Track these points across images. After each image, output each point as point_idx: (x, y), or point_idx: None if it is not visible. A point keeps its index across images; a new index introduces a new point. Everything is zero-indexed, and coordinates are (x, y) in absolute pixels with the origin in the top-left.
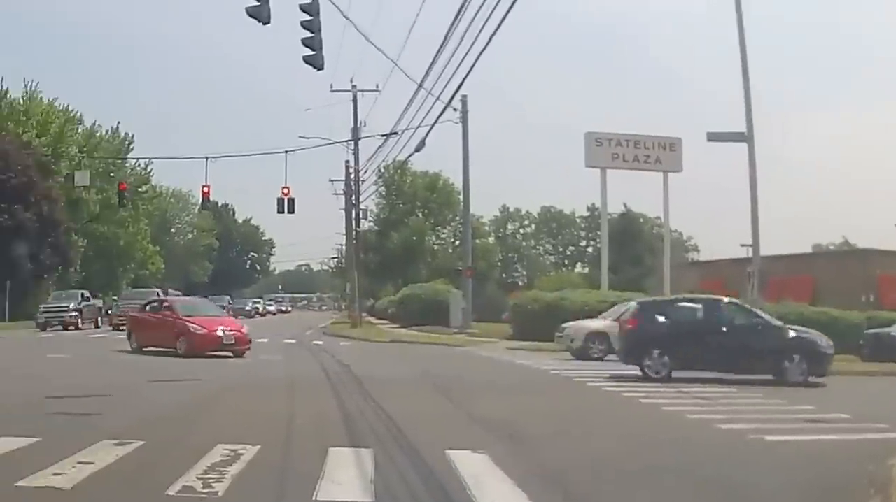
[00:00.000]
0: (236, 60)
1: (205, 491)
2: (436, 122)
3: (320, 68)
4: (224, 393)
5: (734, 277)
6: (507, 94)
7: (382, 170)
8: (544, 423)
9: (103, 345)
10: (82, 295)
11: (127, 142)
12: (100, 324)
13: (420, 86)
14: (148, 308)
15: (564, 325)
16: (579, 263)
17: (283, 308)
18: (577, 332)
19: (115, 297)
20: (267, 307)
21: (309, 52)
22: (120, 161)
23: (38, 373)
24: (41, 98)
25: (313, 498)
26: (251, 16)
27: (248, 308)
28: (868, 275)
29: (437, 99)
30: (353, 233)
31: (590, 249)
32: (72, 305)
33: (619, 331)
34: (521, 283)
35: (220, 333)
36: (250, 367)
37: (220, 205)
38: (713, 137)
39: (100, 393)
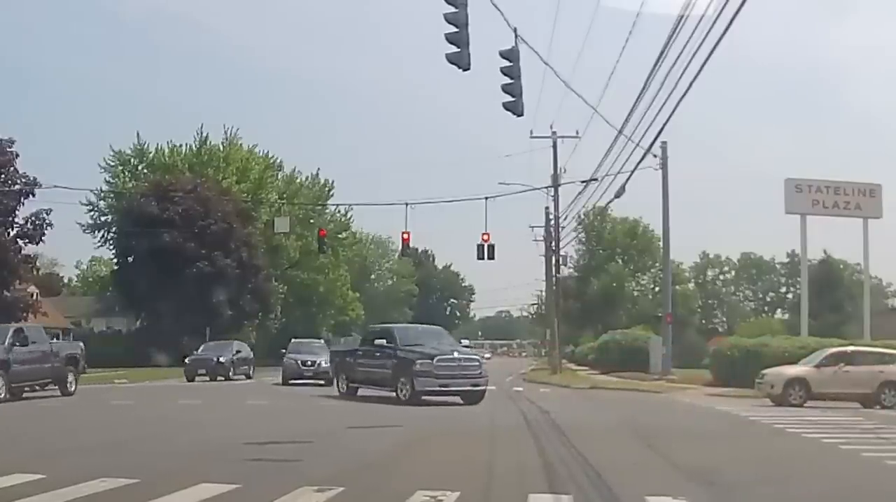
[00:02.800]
0: (436, 106)
1: None
2: (635, 169)
3: (520, 115)
4: (425, 441)
5: None
6: (707, 141)
7: (582, 217)
8: (743, 470)
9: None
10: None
11: (327, 189)
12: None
13: (620, 132)
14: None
15: (764, 372)
16: (779, 309)
17: (485, 355)
18: (776, 379)
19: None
20: None
21: (509, 98)
22: (320, 207)
23: (228, 419)
24: (241, 144)
25: None
26: (451, 62)
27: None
28: None
29: (637, 145)
30: (553, 279)
31: (790, 295)
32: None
33: None
34: (720, 330)
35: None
36: (451, 414)
37: (419, 251)
38: None
39: (300, 440)
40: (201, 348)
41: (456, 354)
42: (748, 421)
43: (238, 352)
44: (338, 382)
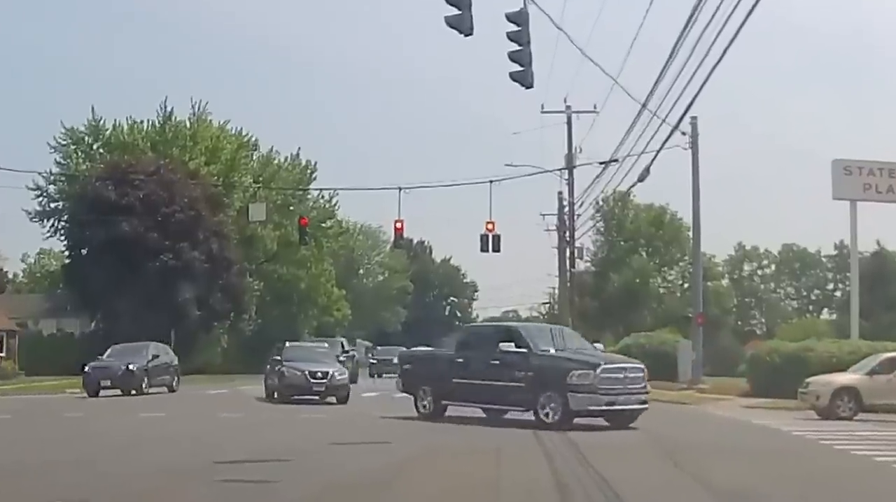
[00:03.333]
0: (433, 79)
1: None
2: (661, 148)
3: (529, 86)
4: (420, 460)
5: None
6: (742, 117)
7: (600, 203)
8: (784, 492)
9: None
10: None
11: (309, 171)
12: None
13: (644, 106)
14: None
15: (808, 380)
16: (825, 309)
17: None
18: (823, 388)
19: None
20: None
21: (517, 67)
22: (301, 192)
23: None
24: (210, 121)
25: None
26: (451, 26)
27: None
28: None
29: (664, 121)
30: (567, 274)
31: (838, 293)
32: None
33: None
34: (758, 332)
35: None
36: (449, 428)
37: (414, 242)
38: None
39: (279, 458)
40: (107, 352)
41: (622, 363)
42: (790, 437)
43: (155, 356)
44: (418, 399)
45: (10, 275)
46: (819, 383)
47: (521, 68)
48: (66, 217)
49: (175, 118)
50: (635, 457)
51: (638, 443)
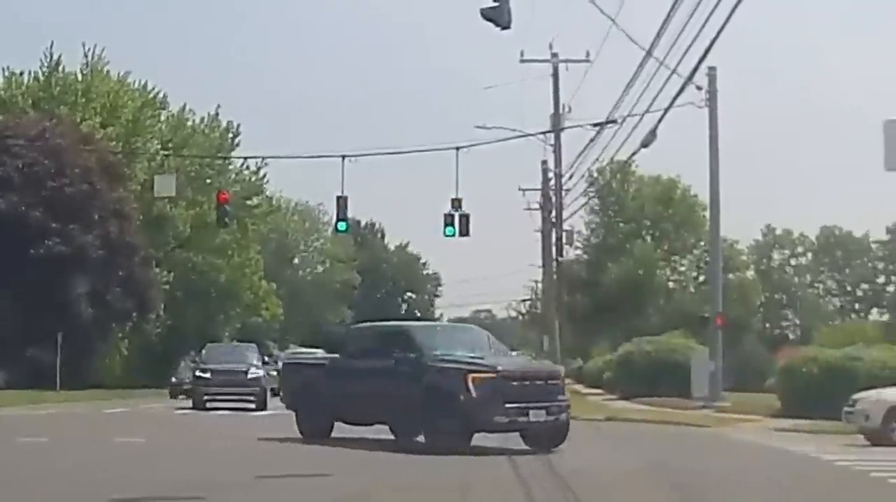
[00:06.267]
0: (387, 21)
1: None
2: (671, 106)
3: (506, 26)
4: (366, 497)
5: None
6: (772, 70)
7: (595, 175)
8: None
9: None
10: None
11: (231, 136)
12: None
13: (649, 53)
14: None
15: (856, 397)
16: (875, 308)
17: None
18: (873, 407)
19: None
20: None
21: (490, 2)
22: (220, 162)
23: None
24: (107, 72)
25: None
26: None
27: None
28: None
29: (674, 72)
30: (554, 264)
31: (891, 288)
32: None
33: None
34: (792, 337)
35: None
36: (404, 459)
37: (363, 225)
38: None
39: (188, 495)
40: None
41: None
42: (832, 467)
43: None
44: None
45: None
46: (868, 400)
47: (496, 3)
48: None
49: (63, 69)
50: (635, 493)
51: (639, 476)
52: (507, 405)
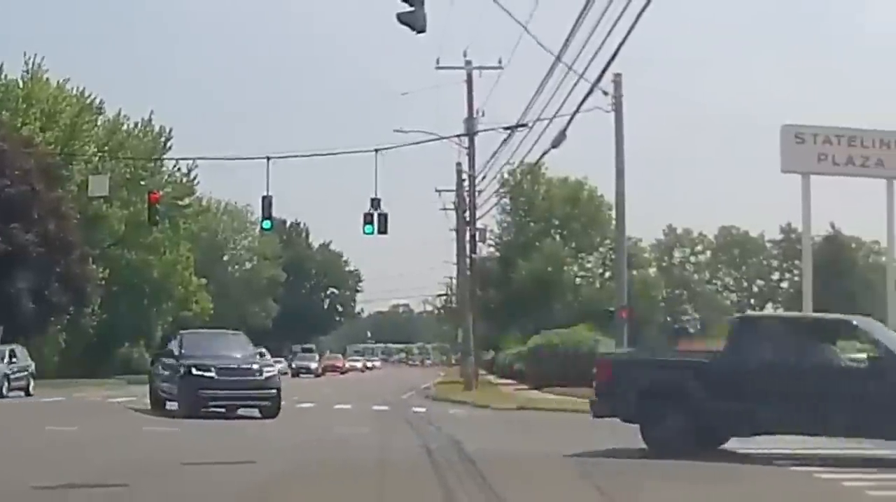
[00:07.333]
0: (309, 32)
1: None
2: (578, 110)
3: (421, 30)
4: (287, 483)
5: None
6: (675, 78)
7: (506, 176)
8: None
9: None
10: None
11: (163, 139)
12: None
13: (558, 59)
14: None
15: None
16: (770, 303)
17: (371, 364)
18: None
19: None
20: (350, 362)
21: (406, 7)
22: (153, 164)
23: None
24: (46, 79)
25: None
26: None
27: (312, 366)
28: None
29: (581, 77)
30: (468, 261)
31: (784, 284)
32: None
33: None
34: (692, 330)
35: None
36: (325, 445)
37: (288, 224)
38: None
39: (113, 482)
40: None
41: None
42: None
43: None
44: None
45: None
46: None
47: (411, 8)
48: None
49: (4, 76)
50: (548, 479)
51: (550, 463)
52: None
